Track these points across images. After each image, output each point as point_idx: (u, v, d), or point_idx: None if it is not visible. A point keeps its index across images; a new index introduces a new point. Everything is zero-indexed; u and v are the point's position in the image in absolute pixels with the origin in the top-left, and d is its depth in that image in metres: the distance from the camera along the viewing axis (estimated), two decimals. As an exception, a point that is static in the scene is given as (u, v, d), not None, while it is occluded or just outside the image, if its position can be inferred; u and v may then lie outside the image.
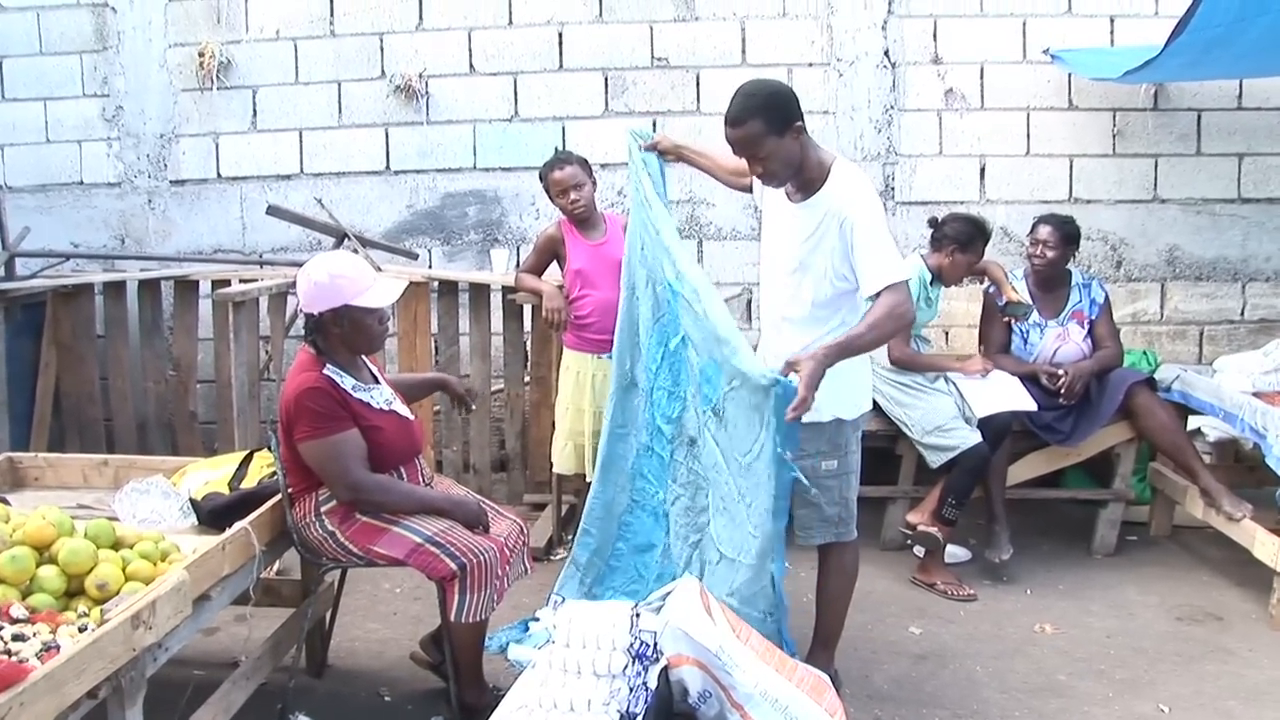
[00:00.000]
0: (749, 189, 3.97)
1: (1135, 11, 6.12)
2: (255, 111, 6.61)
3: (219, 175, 6.68)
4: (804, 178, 3.55)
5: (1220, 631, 4.48)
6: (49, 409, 6.20)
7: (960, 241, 5.09)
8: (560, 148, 5.21)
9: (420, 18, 6.43)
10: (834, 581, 3.82)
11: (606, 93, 6.40)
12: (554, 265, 5.19)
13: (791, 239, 3.62)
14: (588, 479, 5.06)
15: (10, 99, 6.77)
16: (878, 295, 3.42)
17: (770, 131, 3.40)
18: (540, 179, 5.02)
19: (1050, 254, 5.27)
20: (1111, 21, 6.14)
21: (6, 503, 3.38)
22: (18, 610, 2.61)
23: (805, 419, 3.58)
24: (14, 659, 2.33)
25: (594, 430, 4.99)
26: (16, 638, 2.47)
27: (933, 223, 5.22)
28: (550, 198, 5.04)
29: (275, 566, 4.38)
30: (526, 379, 5.90)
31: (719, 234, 6.38)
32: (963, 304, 6.12)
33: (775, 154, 3.45)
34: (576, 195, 4.90)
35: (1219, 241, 6.27)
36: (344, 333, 3.53)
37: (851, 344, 3.40)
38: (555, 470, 5.25)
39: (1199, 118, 6.20)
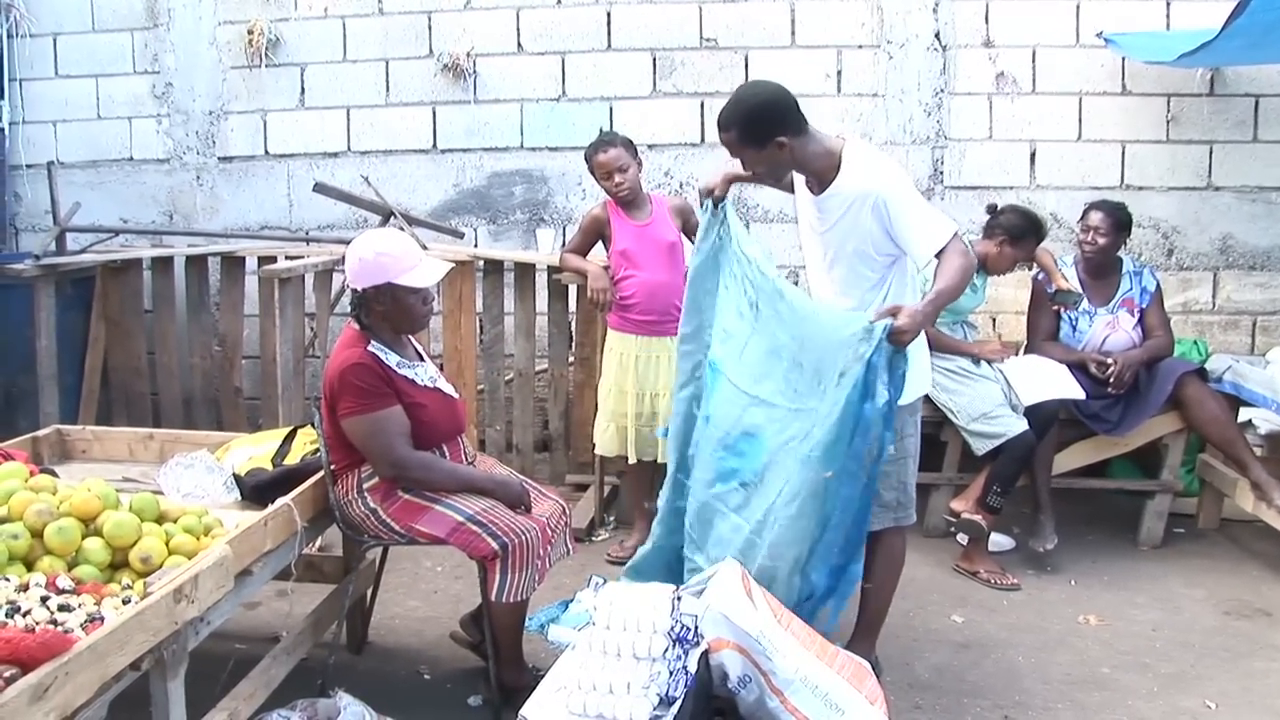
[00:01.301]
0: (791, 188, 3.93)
1: (1192, -8, 6.02)
2: (303, 89, 6.63)
3: (267, 152, 6.71)
4: (813, 172, 3.57)
5: (1269, 627, 4.41)
6: (97, 383, 6.27)
7: (1012, 235, 5.05)
8: (605, 129, 5.19)
9: (468, -4, 6.44)
10: (882, 568, 3.78)
11: (654, 73, 6.37)
12: (599, 246, 5.17)
13: (819, 231, 3.64)
14: (630, 460, 5.07)
15: (63, 75, 6.83)
16: (939, 254, 3.38)
17: (746, 144, 3.48)
18: (585, 160, 5.00)
19: (1101, 240, 5.20)
20: (1167, 4, 6.04)
21: (54, 474, 3.41)
22: (64, 581, 2.63)
23: None
24: (59, 629, 2.35)
25: (636, 412, 4.99)
26: (62, 608, 2.49)
27: (991, 209, 5.18)
28: (595, 179, 5.02)
29: (317, 543, 4.39)
30: (571, 359, 5.89)
31: (765, 216, 6.35)
32: (1011, 290, 6.05)
33: (756, 162, 3.54)
34: (621, 179, 4.87)
35: (1275, 230, 6.15)
36: (387, 310, 3.53)
37: (940, 300, 3.35)
38: (597, 451, 5.25)
39: (1256, 103, 6.08)
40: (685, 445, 3.89)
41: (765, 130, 3.44)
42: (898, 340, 3.18)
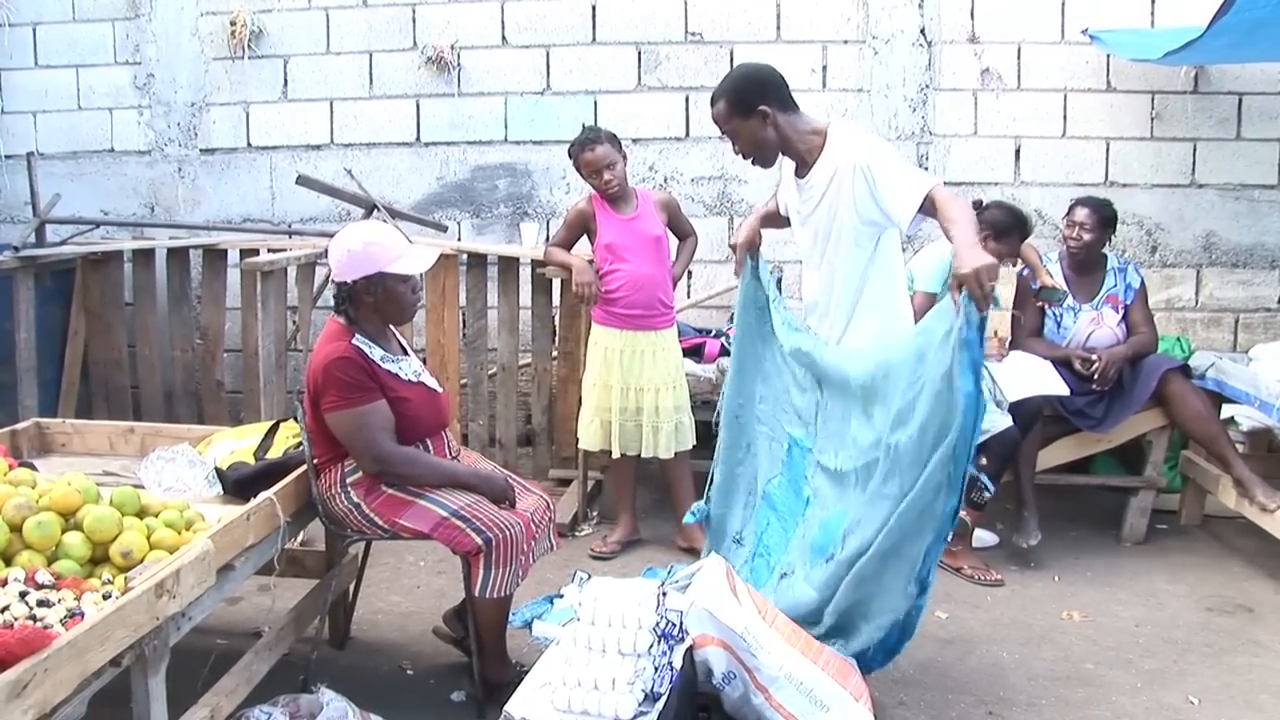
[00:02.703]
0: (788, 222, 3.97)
1: (1177, -9, 6.03)
2: (286, 81, 6.60)
3: (249, 144, 6.68)
4: (798, 152, 3.64)
5: (1251, 623, 4.42)
6: (77, 375, 6.24)
7: (996, 229, 5.04)
8: (588, 124, 5.17)
9: (453, -11, 6.41)
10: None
11: (639, 66, 6.35)
12: (584, 240, 5.15)
13: (805, 214, 3.69)
14: (614, 455, 5.06)
15: (43, 66, 6.78)
16: (924, 206, 3.30)
17: (733, 113, 3.61)
18: (570, 156, 4.97)
19: (1086, 236, 5.22)
20: (1152, 1, 6.05)
21: (34, 468, 3.38)
22: (43, 576, 2.60)
23: None
24: (39, 625, 2.32)
25: (621, 406, 4.98)
26: (41, 603, 2.46)
27: (976, 205, 5.18)
28: (581, 176, 5.00)
29: (300, 537, 4.38)
30: (554, 353, 5.88)
31: (749, 210, 6.31)
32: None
33: (741, 134, 3.63)
34: (609, 175, 4.85)
35: (1257, 228, 6.18)
36: (377, 301, 3.51)
37: (972, 230, 3.11)
38: (582, 446, 5.24)
39: (1240, 101, 6.10)
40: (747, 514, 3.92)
41: (751, 98, 3.56)
42: (982, 295, 2.91)
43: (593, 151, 4.84)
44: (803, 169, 3.65)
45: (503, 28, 6.40)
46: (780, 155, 3.70)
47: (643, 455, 5.06)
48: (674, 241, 5.17)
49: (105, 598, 2.55)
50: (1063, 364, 5.20)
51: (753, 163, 3.73)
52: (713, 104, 3.65)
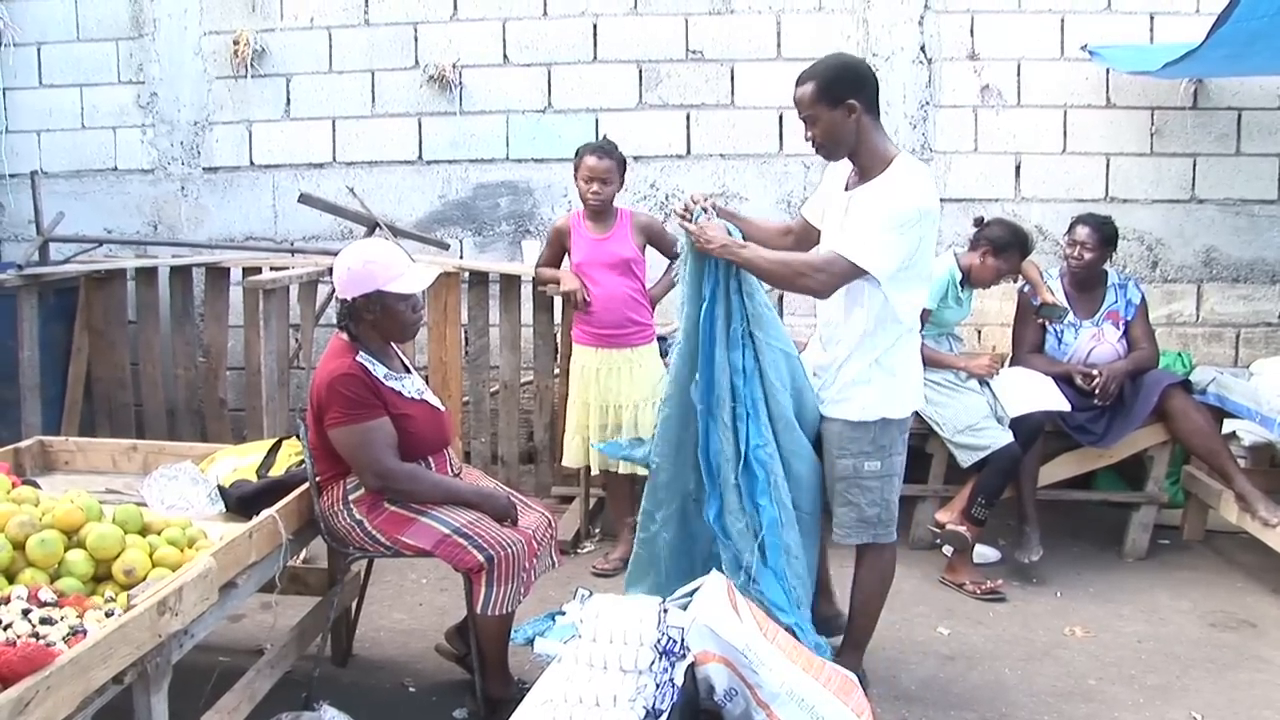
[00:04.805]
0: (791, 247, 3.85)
1: (1175, 9, 6.04)
2: (289, 100, 6.62)
3: (252, 163, 6.70)
4: (860, 163, 3.54)
5: (1254, 639, 4.42)
6: (80, 393, 6.24)
7: (996, 246, 5.05)
8: (607, 137, 5.19)
9: (454, 8, 6.42)
10: (869, 582, 3.76)
11: (640, 85, 6.37)
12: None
13: (845, 229, 3.54)
14: (593, 472, 5.10)
15: (47, 85, 6.81)
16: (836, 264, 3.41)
17: (820, 99, 3.43)
18: (575, 154, 5.00)
19: (1088, 255, 5.22)
20: (1151, 19, 6.06)
21: (37, 486, 3.39)
22: (46, 594, 2.61)
23: (852, 418, 3.54)
24: (41, 642, 2.33)
25: (600, 424, 5.02)
26: (44, 621, 2.47)
27: (978, 222, 5.20)
28: (575, 178, 5.02)
29: (302, 555, 4.38)
30: (556, 371, 5.88)
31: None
32: (996, 303, 6.07)
33: (821, 121, 3.46)
34: (599, 188, 4.91)
35: (1257, 243, 6.19)
36: (377, 319, 3.53)
37: (753, 261, 3.55)
38: (564, 463, 5.28)
39: (1239, 117, 6.11)
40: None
41: (844, 88, 3.42)
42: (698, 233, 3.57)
43: (599, 160, 4.90)
44: (856, 181, 3.56)
45: (504, 46, 6.43)
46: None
47: (620, 472, 5.07)
48: (663, 262, 5.19)
49: (108, 615, 2.56)
50: (1064, 380, 5.21)
51: (820, 153, 3.59)
52: (800, 83, 3.48)
